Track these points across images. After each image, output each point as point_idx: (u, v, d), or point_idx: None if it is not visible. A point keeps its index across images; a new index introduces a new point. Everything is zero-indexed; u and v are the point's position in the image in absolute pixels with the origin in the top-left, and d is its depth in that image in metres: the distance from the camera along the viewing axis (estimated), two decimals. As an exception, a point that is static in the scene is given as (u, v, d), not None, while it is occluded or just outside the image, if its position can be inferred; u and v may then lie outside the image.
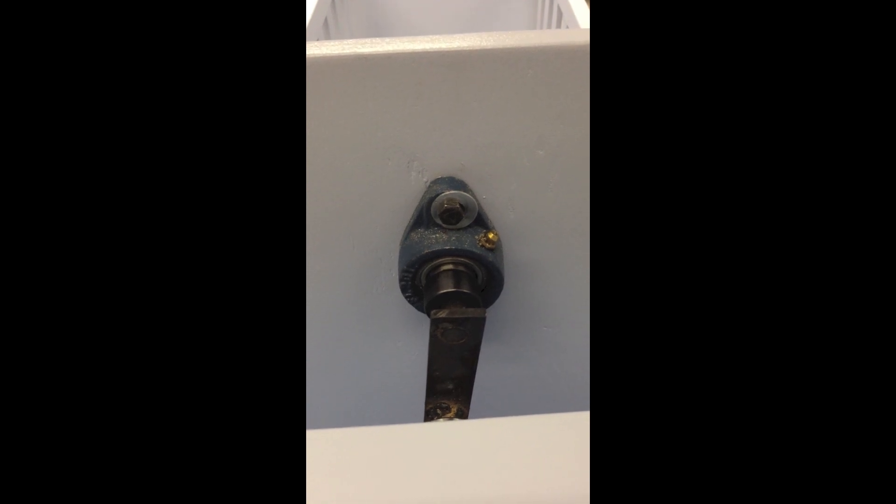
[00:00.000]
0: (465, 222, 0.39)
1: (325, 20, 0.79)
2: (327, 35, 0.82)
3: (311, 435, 0.21)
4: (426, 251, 0.38)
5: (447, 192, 0.38)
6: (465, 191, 0.39)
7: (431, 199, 0.38)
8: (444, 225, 0.38)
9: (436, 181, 0.39)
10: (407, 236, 0.40)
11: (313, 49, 0.35)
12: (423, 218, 0.39)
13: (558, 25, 0.74)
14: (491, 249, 0.39)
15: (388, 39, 0.35)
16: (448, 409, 0.39)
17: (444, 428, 0.22)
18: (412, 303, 0.41)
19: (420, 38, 0.35)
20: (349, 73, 0.35)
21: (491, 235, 0.39)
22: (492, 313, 0.45)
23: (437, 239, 0.38)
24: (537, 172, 0.39)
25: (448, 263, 0.38)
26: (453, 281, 0.37)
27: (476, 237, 0.39)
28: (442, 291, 0.37)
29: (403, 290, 0.40)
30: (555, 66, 0.35)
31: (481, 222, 0.40)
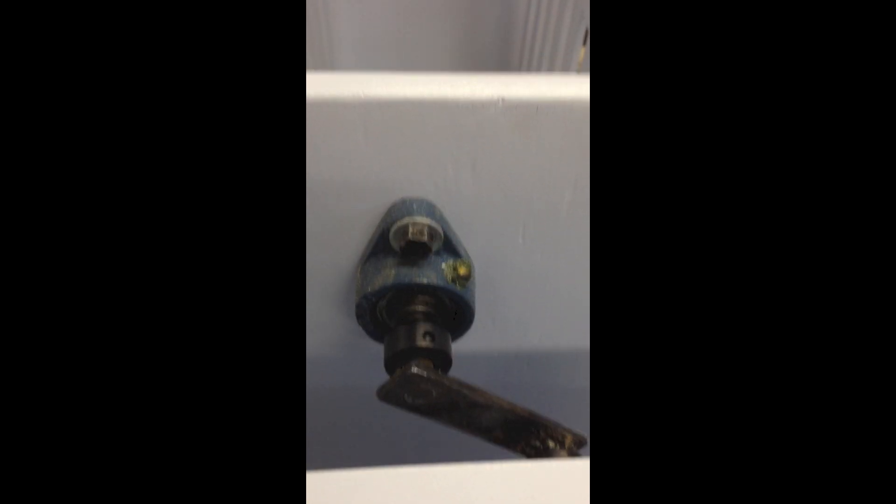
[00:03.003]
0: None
1: None
2: None
3: (311, 477, 0.21)
4: (381, 285, 0.33)
5: (412, 219, 0.32)
6: (433, 214, 0.33)
7: (391, 224, 0.33)
8: (404, 258, 0.33)
9: (402, 200, 0.33)
10: (365, 262, 0.34)
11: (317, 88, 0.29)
12: (382, 244, 0.34)
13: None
14: (463, 285, 0.34)
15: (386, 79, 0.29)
16: (550, 440, 0.35)
17: (442, 472, 0.22)
18: (369, 332, 0.36)
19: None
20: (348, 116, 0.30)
21: (462, 270, 0.33)
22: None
23: (399, 273, 0.33)
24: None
25: (409, 303, 0.33)
26: (406, 335, 0.32)
27: (444, 266, 0.34)
28: (399, 349, 0.32)
29: (359, 317, 0.35)
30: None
31: (451, 249, 0.34)
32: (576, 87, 0.29)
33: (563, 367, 0.46)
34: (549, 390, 0.49)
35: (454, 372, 0.41)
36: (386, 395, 0.31)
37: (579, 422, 0.46)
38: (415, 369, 0.30)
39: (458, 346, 0.38)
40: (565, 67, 0.71)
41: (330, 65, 0.99)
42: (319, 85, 0.29)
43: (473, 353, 0.44)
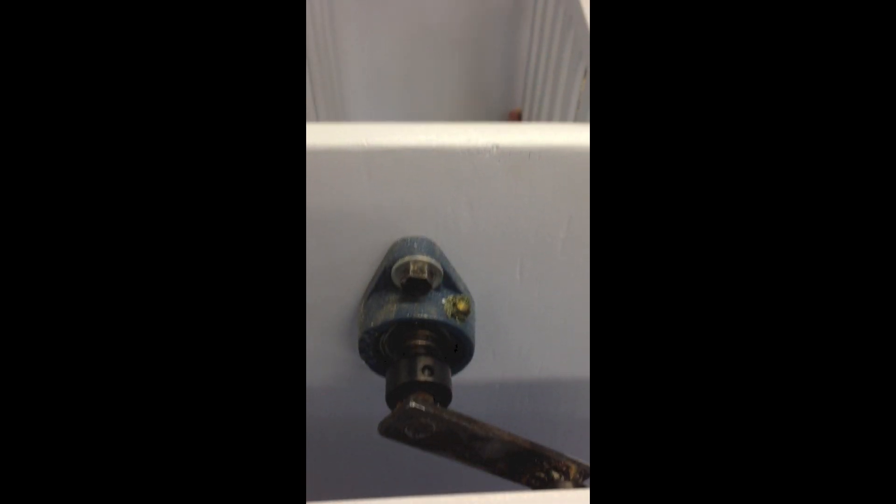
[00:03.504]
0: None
1: None
2: None
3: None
4: (383, 320, 0.34)
5: (412, 257, 0.34)
6: (433, 252, 0.35)
7: (393, 262, 0.34)
8: (406, 294, 0.34)
9: (404, 239, 0.35)
10: (367, 298, 0.36)
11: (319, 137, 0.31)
12: (384, 281, 0.35)
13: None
14: (462, 320, 0.35)
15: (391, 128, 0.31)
16: (555, 472, 0.35)
17: (446, 503, 0.22)
18: (371, 365, 0.38)
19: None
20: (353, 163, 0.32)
21: (461, 306, 0.35)
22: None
23: (401, 308, 0.35)
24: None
25: (410, 338, 0.34)
26: (407, 370, 0.33)
27: (444, 301, 0.35)
28: (400, 383, 0.33)
29: (362, 351, 0.37)
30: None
31: (451, 285, 0.36)
32: (565, 135, 0.31)
33: (564, 397, 0.47)
34: (552, 421, 0.50)
35: (456, 403, 0.43)
36: (387, 430, 0.32)
37: (584, 452, 0.47)
38: (413, 404, 0.31)
39: (460, 378, 0.40)
40: (566, 100, 0.74)
41: (340, 98, 1.02)
42: (327, 135, 0.31)
43: (475, 383, 0.45)
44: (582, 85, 0.72)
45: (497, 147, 0.31)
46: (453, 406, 0.39)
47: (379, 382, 0.36)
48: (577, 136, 0.31)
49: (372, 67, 1.03)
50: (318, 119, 0.85)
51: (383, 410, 0.34)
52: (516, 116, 1.07)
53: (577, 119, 0.69)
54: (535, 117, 0.93)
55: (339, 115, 1.01)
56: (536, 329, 0.40)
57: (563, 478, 0.36)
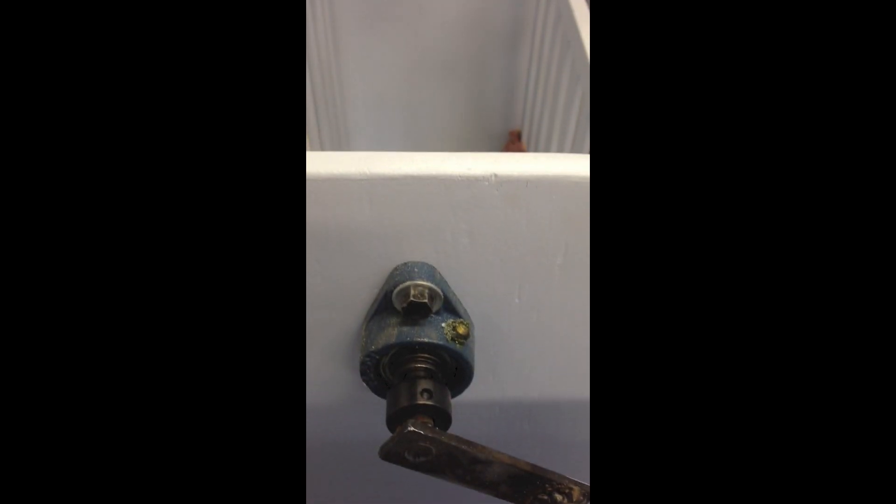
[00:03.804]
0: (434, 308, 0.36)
1: None
2: (313, 11, 0.80)
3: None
4: (384, 344, 0.35)
5: (413, 282, 0.35)
6: (433, 277, 0.35)
7: (394, 286, 0.35)
8: (407, 318, 0.35)
9: (405, 264, 0.36)
10: (369, 320, 0.37)
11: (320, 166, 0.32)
12: (385, 304, 0.36)
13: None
14: (462, 343, 0.36)
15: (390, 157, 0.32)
16: (558, 494, 0.35)
17: None
18: (373, 388, 0.38)
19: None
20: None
21: (461, 329, 0.35)
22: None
23: (401, 332, 0.35)
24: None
25: (410, 361, 0.35)
26: (407, 393, 0.34)
27: (444, 325, 0.36)
28: (399, 406, 0.33)
29: (363, 374, 0.37)
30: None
31: (451, 309, 0.36)
32: (562, 165, 0.32)
33: (565, 418, 0.48)
34: (553, 442, 0.50)
35: (457, 424, 0.43)
36: (387, 454, 0.32)
37: (586, 474, 0.47)
38: (411, 428, 0.31)
39: (461, 399, 0.40)
40: (565, 120, 0.75)
41: (343, 122, 1.04)
42: (329, 163, 0.32)
43: (475, 404, 0.45)
44: (578, 108, 0.73)
45: (495, 176, 0.32)
46: (454, 427, 0.40)
47: (381, 404, 0.37)
48: (573, 165, 0.32)
49: (374, 91, 1.04)
50: (321, 142, 0.86)
51: (385, 432, 0.35)
52: (516, 136, 1.08)
53: (575, 140, 0.70)
54: (535, 137, 0.95)
55: (342, 138, 1.03)
56: (536, 351, 0.41)
57: (566, 500, 0.36)
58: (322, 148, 0.85)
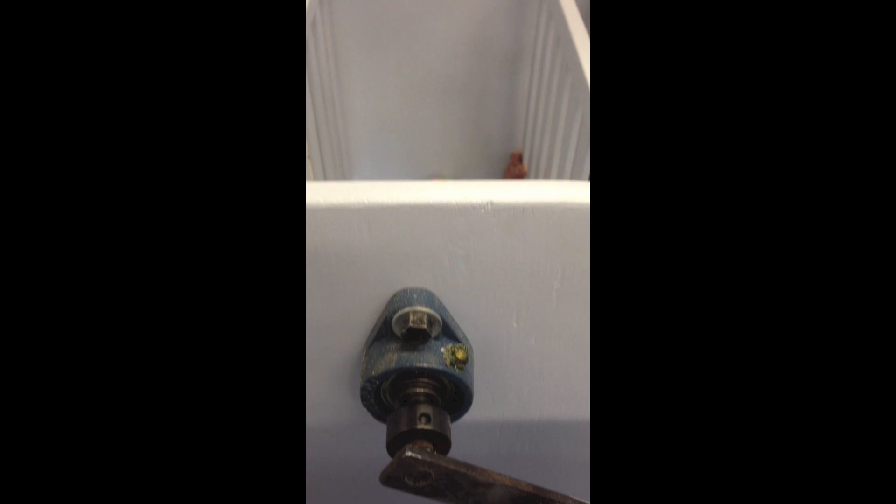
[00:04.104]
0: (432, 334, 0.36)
1: (314, 19, 0.79)
2: (322, 17, 0.82)
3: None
4: (384, 369, 0.35)
5: (412, 308, 0.35)
6: (432, 303, 0.36)
7: (394, 312, 0.36)
8: (406, 343, 0.36)
9: (404, 290, 0.36)
10: (369, 346, 0.37)
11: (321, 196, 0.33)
12: (385, 330, 0.36)
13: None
14: (461, 368, 0.36)
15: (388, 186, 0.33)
16: None
17: None
18: (374, 413, 0.38)
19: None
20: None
21: (459, 354, 0.36)
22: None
23: (401, 357, 0.36)
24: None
25: (410, 386, 0.35)
26: (406, 418, 0.34)
27: (443, 350, 0.36)
28: (399, 431, 0.34)
29: (364, 399, 0.38)
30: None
31: (450, 333, 0.37)
32: (557, 192, 0.32)
33: (565, 440, 0.48)
34: (554, 463, 0.50)
35: (457, 446, 0.43)
36: (387, 479, 0.33)
37: (588, 495, 0.47)
38: (409, 453, 0.32)
39: (461, 421, 0.40)
40: (565, 144, 0.76)
41: (346, 145, 1.05)
42: (330, 193, 0.33)
43: (476, 426, 0.45)
44: (577, 131, 0.74)
45: (492, 203, 0.32)
46: (455, 448, 0.40)
47: (382, 429, 0.37)
48: (568, 192, 0.32)
49: (375, 114, 1.06)
50: (323, 164, 0.87)
51: (386, 455, 0.35)
52: (517, 159, 1.09)
53: (575, 162, 0.71)
54: (536, 159, 0.96)
55: (343, 160, 1.04)
56: (535, 374, 0.41)
57: None
58: (324, 169, 0.86)
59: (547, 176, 0.85)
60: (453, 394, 0.37)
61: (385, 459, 0.34)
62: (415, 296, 0.36)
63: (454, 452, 0.42)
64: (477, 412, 0.42)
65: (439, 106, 1.05)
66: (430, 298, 0.36)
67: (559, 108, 0.78)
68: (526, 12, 0.95)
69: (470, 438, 0.47)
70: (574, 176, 0.70)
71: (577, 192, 0.32)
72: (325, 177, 0.89)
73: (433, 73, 1.01)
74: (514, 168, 1.09)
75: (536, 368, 0.41)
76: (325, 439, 0.45)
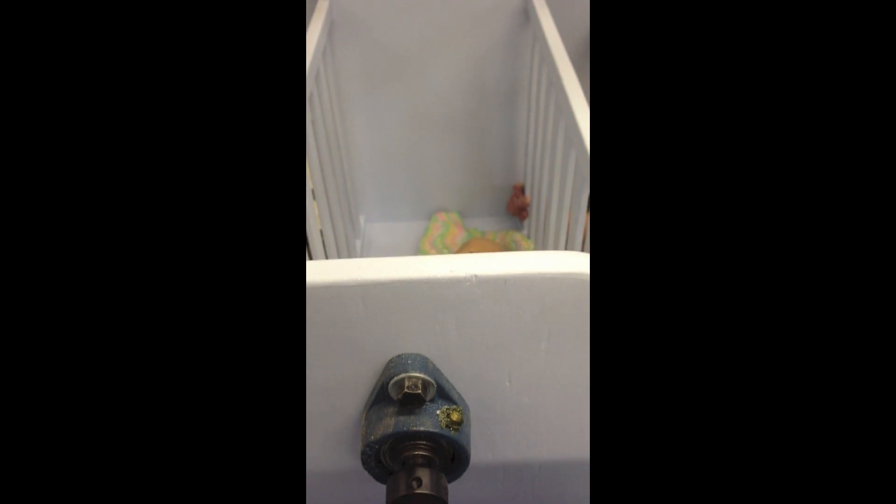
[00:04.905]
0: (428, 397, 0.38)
1: (324, 50, 0.82)
2: (325, 65, 0.85)
3: None
4: (382, 434, 0.37)
5: (407, 374, 0.37)
6: (426, 368, 0.38)
7: (390, 378, 0.37)
8: (402, 408, 0.37)
9: (399, 357, 0.38)
10: (368, 410, 0.39)
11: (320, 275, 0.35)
12: (383, 395, 0.38)
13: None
14: (456, 430, 0.38)
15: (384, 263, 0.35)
16: None
17: None
18: (375, 476, 0.40)
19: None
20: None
21: (455, 416, 0.37)
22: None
23: (398, 421, 0.37)
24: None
25: (409, 448, 0.37)
26: (405, 482, 0.36)
27: (438, 413, 0.38)
28: (398, 496, 0.35)
29: (364, 463, 0.39)
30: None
31: (445, 395, 0.39)
32: (536, 263, 0.34)
33: (567, 480, 0.49)
34: (557, 502, 0.51)
35: (460, 490, 0.44)
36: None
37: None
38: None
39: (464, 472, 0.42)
40: (563, 178, 0.77)
41: (350, 179, 1.08)
42: (326, 271, 0.35)
43: (477, 471, 0.47)
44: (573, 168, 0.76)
45: (476, 276, 0.34)
46: (459, 493, 0.41)
47: (383, 490, 0.39)
48: (546, 263, 0.34)
49: (381, 153, 1.08)
50: (329, 205, 0.89)
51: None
52: (519, 191, 1.11)
53: (573, 194, 0.72)
54: (537, 190, 0.97)
55: (351, 199, 1.06)
56: (531, 428, 0.43)
57: None
58: (329, 206, 0.89)
59: (548, 207, 0.86)
60: (451, 455, 0.39)
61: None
62: (409, 361, 0.38)
63: (457, 495, 0.44)
64: (478, 457, 0.44)
65: (441, 142, 1.07)
66: (423, 363, 0.38)
67: (555, 145, 0.79)
68: (520, 53, 0.97)
69: (473, 482, 0.48)
70: (573, 206, 0.71)
71: (556, 263, 0.34)
72: (332, 216, 0.91)
73: (434, 110, 1.04)
74: (517, 199, 1.10)
75: (532, 423, 0.42)
76: (326, 502, 0.47)
